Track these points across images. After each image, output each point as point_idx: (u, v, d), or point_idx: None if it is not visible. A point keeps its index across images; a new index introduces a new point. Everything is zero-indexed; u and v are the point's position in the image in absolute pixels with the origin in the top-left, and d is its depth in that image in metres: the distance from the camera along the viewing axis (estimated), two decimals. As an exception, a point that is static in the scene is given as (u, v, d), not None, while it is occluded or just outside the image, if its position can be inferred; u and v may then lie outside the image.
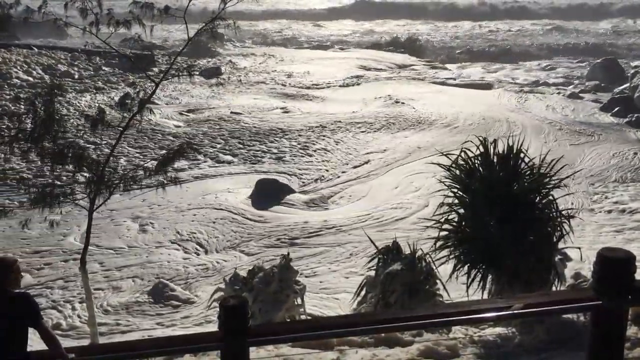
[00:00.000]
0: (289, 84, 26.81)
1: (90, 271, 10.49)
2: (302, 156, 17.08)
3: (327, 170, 16.12)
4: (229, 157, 16.98)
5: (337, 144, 18.01)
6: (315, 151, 17.48)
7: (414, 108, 22.16)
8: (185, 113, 21.15)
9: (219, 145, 17.77)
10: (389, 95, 24.13)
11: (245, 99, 23.80)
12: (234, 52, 34.62)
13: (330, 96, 24.60)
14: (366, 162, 16.64)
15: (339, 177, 15.67)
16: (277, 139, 18.47)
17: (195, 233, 12.56)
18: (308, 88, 26.01)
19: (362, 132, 19.24)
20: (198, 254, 11.77)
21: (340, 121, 20.10)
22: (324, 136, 18.68)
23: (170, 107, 21.94)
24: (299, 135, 18.68)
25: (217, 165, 16.54)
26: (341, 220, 12.93)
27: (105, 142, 16.44)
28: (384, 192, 14.54)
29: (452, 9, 52.27)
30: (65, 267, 11.19)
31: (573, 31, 42.00)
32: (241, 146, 17.82)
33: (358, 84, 27.17)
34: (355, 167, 16.31)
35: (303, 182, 15.41)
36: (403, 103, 22.84)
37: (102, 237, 12.30)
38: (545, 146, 16.20)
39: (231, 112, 20.91)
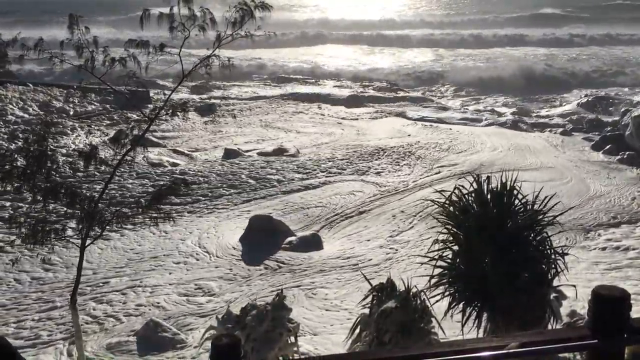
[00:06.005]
0: (327, 114, 27.75)
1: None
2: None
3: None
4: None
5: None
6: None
7: (450, 128, 24.59)
8: (186, 151, 21.18)
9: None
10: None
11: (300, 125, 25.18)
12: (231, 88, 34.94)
13: (367, 126, 25.58)
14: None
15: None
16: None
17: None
18: (344, 119, 26.84)
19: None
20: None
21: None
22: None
23: (166, 144, 21.99)
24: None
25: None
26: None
27: (99, 178, 16.41)
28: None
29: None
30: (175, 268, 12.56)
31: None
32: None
33: (382, 116, 27.98)
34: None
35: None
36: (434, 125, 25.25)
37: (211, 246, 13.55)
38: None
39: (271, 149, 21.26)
